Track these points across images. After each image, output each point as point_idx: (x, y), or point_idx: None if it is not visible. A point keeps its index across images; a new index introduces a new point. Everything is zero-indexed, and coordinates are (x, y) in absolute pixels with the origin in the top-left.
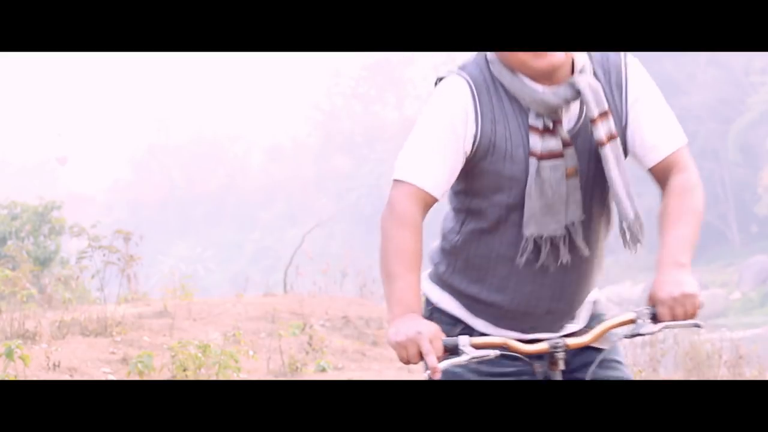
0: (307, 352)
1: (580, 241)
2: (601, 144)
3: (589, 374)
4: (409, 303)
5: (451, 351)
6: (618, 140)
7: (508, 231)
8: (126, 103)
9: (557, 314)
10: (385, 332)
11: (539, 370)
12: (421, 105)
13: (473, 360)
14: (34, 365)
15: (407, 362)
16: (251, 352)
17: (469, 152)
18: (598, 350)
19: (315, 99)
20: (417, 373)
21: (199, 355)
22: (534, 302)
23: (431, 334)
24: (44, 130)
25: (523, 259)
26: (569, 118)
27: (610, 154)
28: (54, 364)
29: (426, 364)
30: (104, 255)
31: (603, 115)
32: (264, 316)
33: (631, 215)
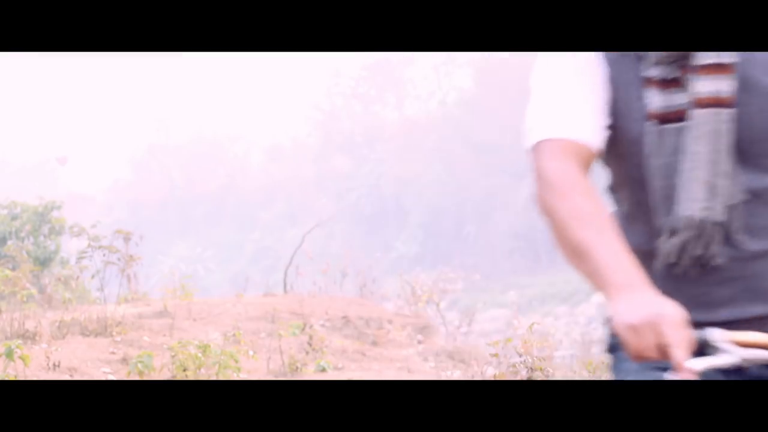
0: (307, 352)
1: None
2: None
3: None
4: (629, 270)
5: (701, 347)
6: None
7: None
8: (126, 103)
9: None
10: (611, 310)
11: None
12: (421, 105)
13: (741, 363)
14: (34, 365)
15: (638, 356)
16: (251, 352)
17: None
18: None
19: (315, 99)
20: (417, 373)
21: (199, 355)
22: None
23: (678, 319)
24: (44, 130)
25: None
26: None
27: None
28: (54, 364)
29: (672, 360)
30: (104, 255)
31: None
32: (264, 316)
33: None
